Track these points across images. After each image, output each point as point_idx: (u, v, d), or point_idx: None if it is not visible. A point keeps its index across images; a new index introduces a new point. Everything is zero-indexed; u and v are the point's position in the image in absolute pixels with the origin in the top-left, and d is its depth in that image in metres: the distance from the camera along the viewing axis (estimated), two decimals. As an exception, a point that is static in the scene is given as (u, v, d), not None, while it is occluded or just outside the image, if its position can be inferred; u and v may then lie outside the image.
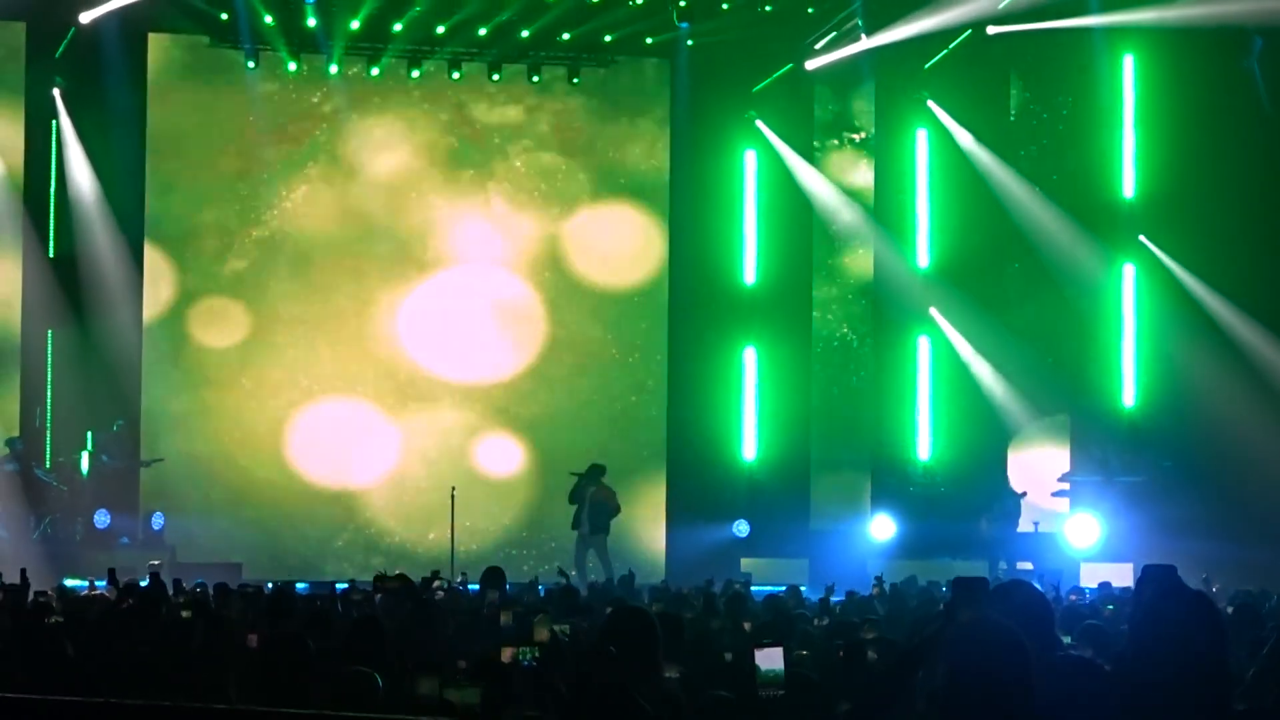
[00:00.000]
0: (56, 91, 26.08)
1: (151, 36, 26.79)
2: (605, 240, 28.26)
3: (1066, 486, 26.29)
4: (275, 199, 27.46)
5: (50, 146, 26.22)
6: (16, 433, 25.42)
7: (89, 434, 25.65)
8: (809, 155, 28.46)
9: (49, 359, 25.97)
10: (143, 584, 15.74)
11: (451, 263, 27.89)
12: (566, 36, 27.39)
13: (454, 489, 25.35)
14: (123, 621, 12.05)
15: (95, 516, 24.53)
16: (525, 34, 27.11)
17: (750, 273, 28.35)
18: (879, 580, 18.88)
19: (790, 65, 28.00)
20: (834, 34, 27.39)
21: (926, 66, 27.63)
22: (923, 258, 28.01)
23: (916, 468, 27.88)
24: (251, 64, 26.96)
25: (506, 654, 9.28)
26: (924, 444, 27.89)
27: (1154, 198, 26.52)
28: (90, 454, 25.36)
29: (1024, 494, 25.86)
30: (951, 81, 27.65)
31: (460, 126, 28.10)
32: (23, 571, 15.75)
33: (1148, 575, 8.13)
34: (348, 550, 27.22)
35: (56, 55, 25.89)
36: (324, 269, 27.50)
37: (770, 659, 7.92)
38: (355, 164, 27.60)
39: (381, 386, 27.57)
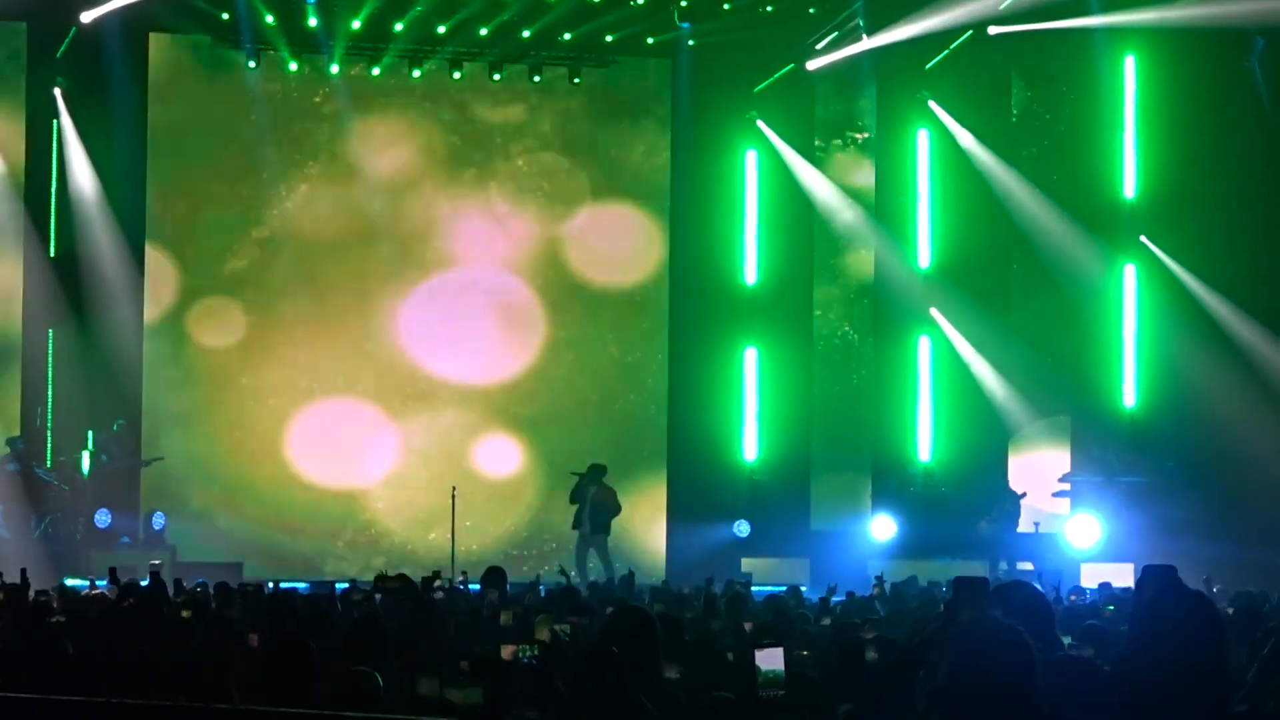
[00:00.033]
0: (57, 91, 26.07)
1: (152, 36, 26.77)
2: (606, 240, 28.25)
3: (1067, 487, 26.31)
4: (276, 199, 27.46)
5: (51, 146, 26.21)
6: (17, 432, 25.42)
7: (90, 433, 25.65)
8: (810, 155, 28.45)
9: (50, 358, 25.97)
10: (143, 584, 15.74)
11: (452, 262, 27.88)
12: (568, 36, 27.37)
13: (454, 489, 25.35)
14: (124, 621, 12.06)
15: (96, 516, 24.53)
16: (526, 34, 27.10)
17: (751, 273, 28.34)
18: (879, 580, 18.87)
19: (791, 65, 27.99)
20: (835, 34, 27.38)
21: (927, 67, 27.62)
22: (923, 258, 28.01)
23: (917, 468, 27.87)
24: (252, 64, 26.95)
25: (507, 651, 9.29)
26: (925, 444, 27.89)
27: (1155, 198, 26.53)
28: (91, 453, 25.36)
29: (1024, 495, 25.86)
30: (952, 82, 27.65)
31: (462, 125, 28.10)
32: (23, 571, 15.76)
33: (1148, 575, 8.14)
34: (348, 551, 27.22)
35: (58, 55, 25.89)
36: (325, 269, 27.49)
37: (771, 659, 7.92)
38: (356, 163, 27.59)
39: (382, 386, 27.56)
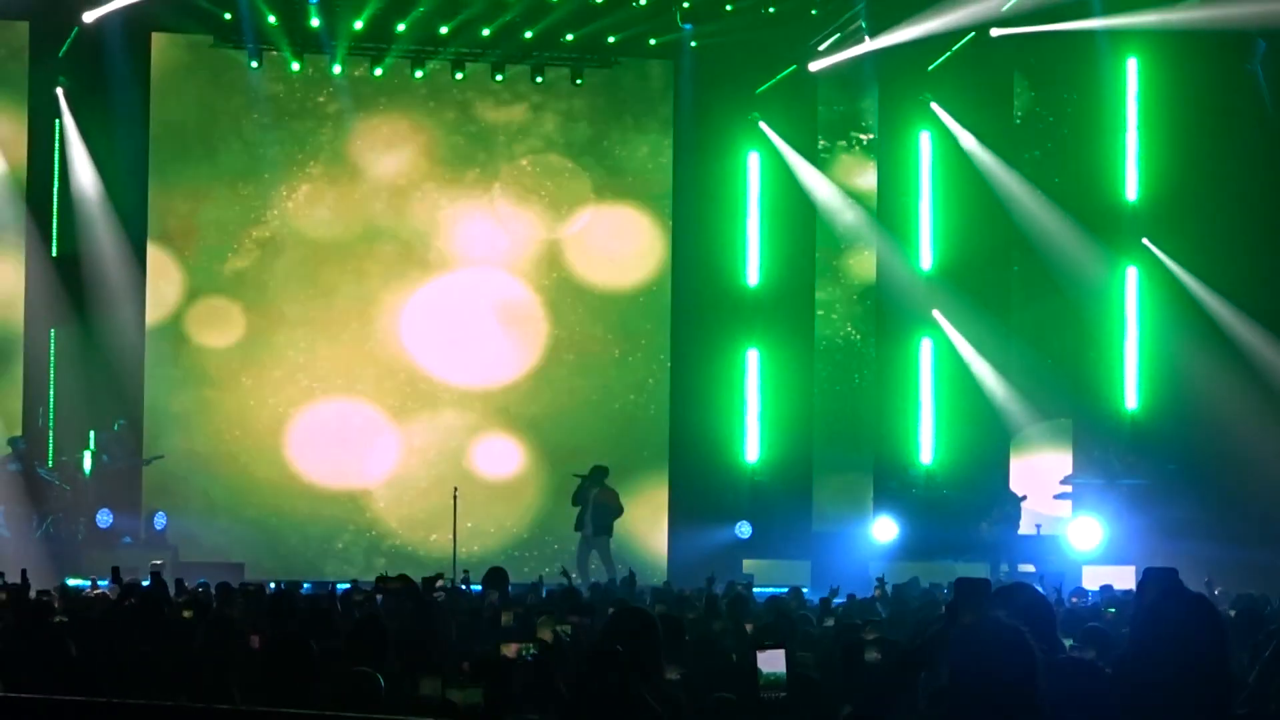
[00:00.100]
0: (60, 91, 26.07)
1: (155, 36, 26.78)
2: (608, 241, 28.25)
3: (1069, 489, 26.29)
4: (278, 199, 27.46)
5: (53, 146, 26.22)
6: (19, 432, 25.43)
7: (91, 433, 25.65)
8: (812, 157, 28.44)
9: (51, 358, 25.97)
10: (144, 584, 15.74)
11: (454, 263, 27.88)
12: (570, 37, 27.37)
13: (456, 490, 25.34)
14: (125, 621, 12.07)
15: (98, 516, 24.54)
16: (528, 35, 27.10)
17: (753, 274, 28.34)
18: (880, 582, 18.87)
19: (794, 67, 27.99)
20: (837, 36, 27.38)
21: (930, 68, 27.61)
22: (925, 260, 28.00)
23: (919, 469, 27.86)
24: (255, 64, 26.95)
25: (510, 649, 9.30)
26: (926, 446, 27.87)
27: (1157, 200, 26.52)
28: (93, 453, 25.37)
29: (1024, 497, 25.86)
30: (955, 83, 27.63)
31: (465, 125, 28.10)
32: (23, 572, 15.75)
33: (1149, 578, 8.14)
34: (349, 551, 27.22)
35: (60, 55, 25.88)
36: (327, 269, 27.49)
37: (772, 661, 7.92)
38: (358, 164, 27.60)
39: (384, 387, 27.56)
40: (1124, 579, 20.65)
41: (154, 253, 26.76)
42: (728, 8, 26.97)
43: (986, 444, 27.38)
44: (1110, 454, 26.05)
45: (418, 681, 8.62)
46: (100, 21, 25.37)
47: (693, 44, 27.55)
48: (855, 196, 28.44)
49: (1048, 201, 26.97)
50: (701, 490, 27.68)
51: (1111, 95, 26.76)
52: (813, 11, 27.09)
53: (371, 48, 27.18)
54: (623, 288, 28.32)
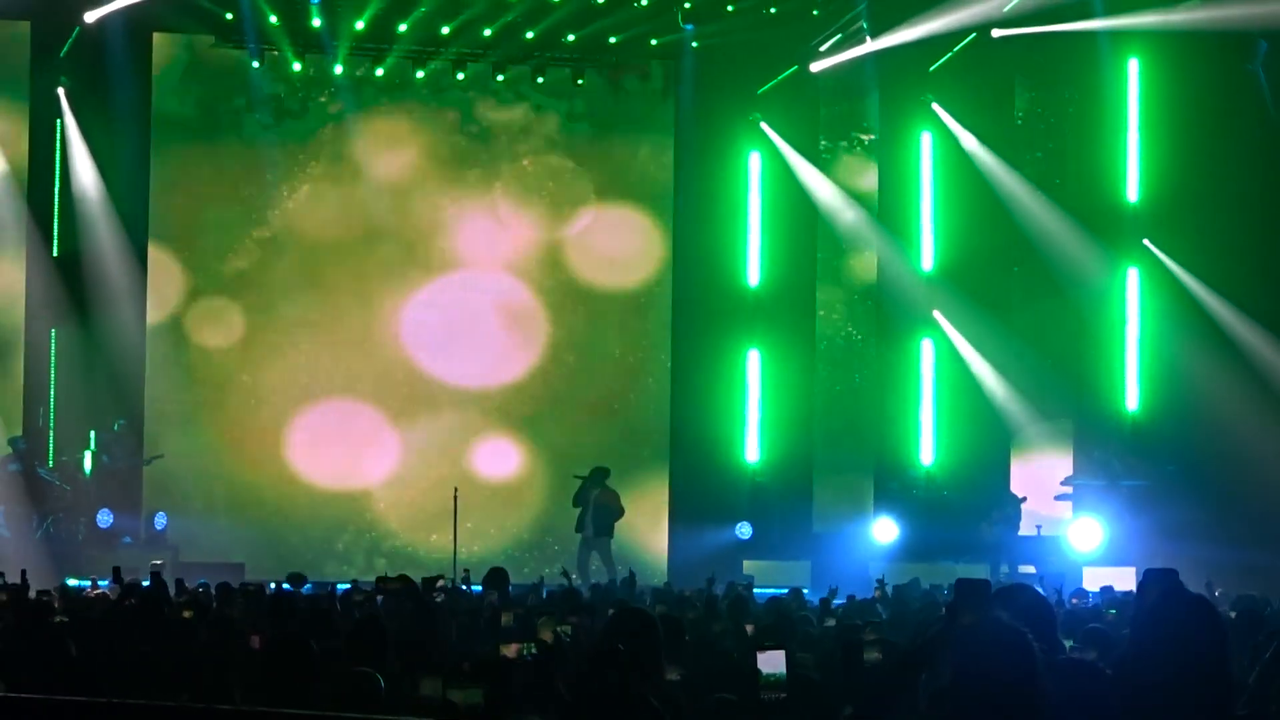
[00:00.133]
0: (61, 91, 26.06)
1: (156, 36, 26.79)
2: (609, 241, 28.25)
3: (1069, 490, 26.29)
4: (279, 199, 27.46)
5: (54, 145, 26.21)
6: (19, 432, 25.43)
7: (92, 433, 25.65)
8: (813, 157, 28.43)
9: (52, 358, 25.97)
10: (144, 584, 15.74)
11: (455, 263, 27.88)
12: (571, 38, 27.37)
13: (456, 490, 25.33)
14: (125, 621, 12.07)
15: (98, 516, 24.53)
16: (530, 35, 27.09)
17: (754, 275, 28.33)
18: (880, 583, 18.86)
19: (795, 68, 27.98)
20: (839, 36, 27.37)
21: (931, 69, 27.60)
22: (926, 260, 27.99)
23: (919, 470, 27.85)
24: (256, 64, 26.95)
25: (510, 649, 9.30)
26: (927, 447, 27.87)
27: (1158, 201, 26.51)
28: (93, 453, 25.37)
29: (1024, 499, 25.87)
30: (956, 84, 27.62)
31: (466, 125, 28.10)
32: (23, 573, 15.74)
33: (1149, 579, 8.14)
34: (349, 552, 27.22)
35: (61, 54, 25.87)
36: (328, 269, 27.49)
37: (772, 662, 7.92)
38: (359, 164, 27.60)
39: (384, 387, 27.56)
40: (1124, 580, 20.64)
41: (155, 253, 26.75)
42: (729, 8, 26.97)
43: (987, 445, 27.37)
44: (1111, 455, 26.04)
45: (418, 682, 8.62)
46: (101, 21, 25.37)
47: (694, 44, 27.54)
48: (856, 197, 28.43)
49: (1049, 202, 26.97)
50: (702, 491, 27.66)
51: (1112, 96, 26.75)
52: (814, 12, 27.09)
53: (373, 48, 27.18)
54: (623, 288, 28.32)
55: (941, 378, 27.85)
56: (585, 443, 27.20)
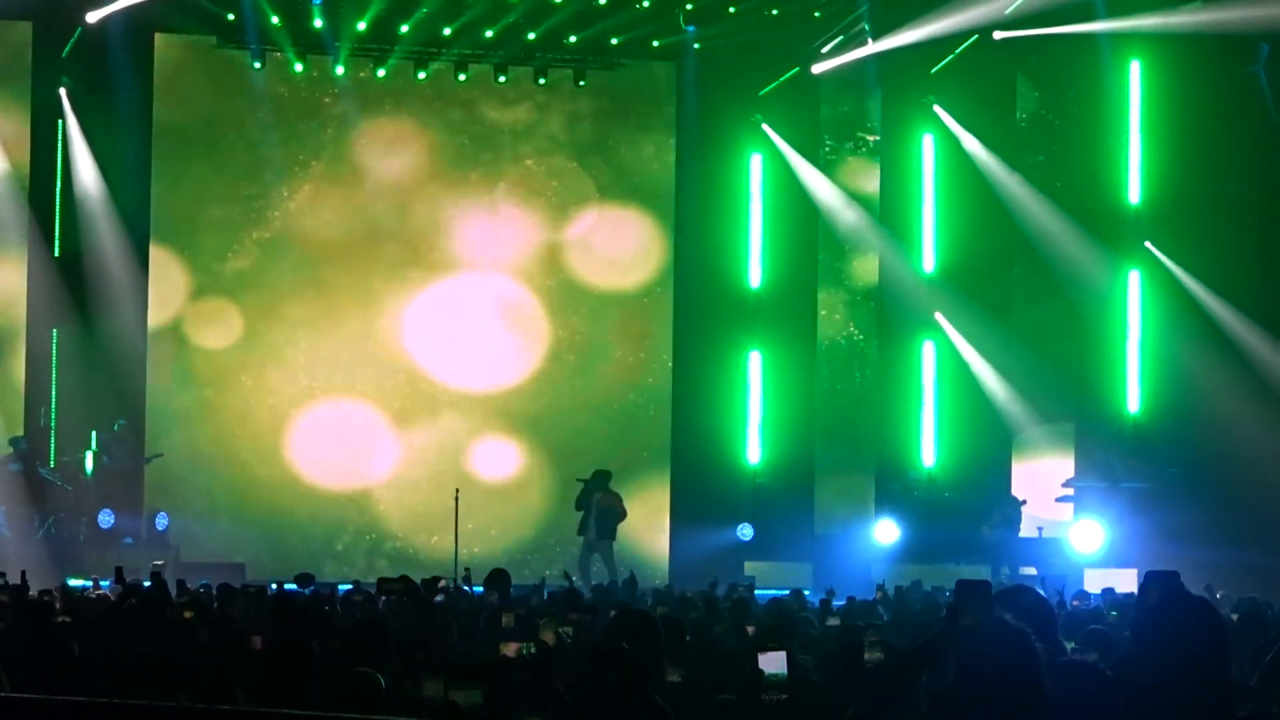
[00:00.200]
0: (63, 91, 26.08)
1: (158, 36, 26.80)
2: (611, 242, 28.24)
3: (1070, 492, 26.29)
4: (280, 199, 27.46)
5: (56, 145, 26.22)
6: (21, 432, 25.43)
7: (93, 433, 25.65)
8: (815, 159, 28.43)
9: (54, 358, 25.97)
10: (145, 585, 15.74)
11: (456, 264, 27.88)
12: (573, 39, 27.37)
13: (457, 491, 25.31)
14: (126, 621, 12.06)
15: (99, 516, 24.53)
16: (532, 36, 27.10)
17: (755, 276, 28.33)
18: (881, 587, 18.87)
19: (796, 69, 27.99)
20: (840, 38, 27.37)
21: (933, 71, 27.61)
22: (928, 262, 27.99)
23: (920, 472, 27.85)
24: (258, 64, 26.96)
25: (510, 649, 9.30)
26: (928, 448, 27.86)
27: (1159, 204, 26.51)
28: (94, 453, 25.37)
29: (1024, 501, 25.87)
30: (957, 86, 27.63)
31: (469, 126, 28.10)
32: (22, 574, 15.73)
33: (1150, 581, 8.13)
34: (350, 553, 27.21)
35: (63, 55, 25.89)
36: (329, 269, 27.49)
37: (773, 663, 7.92)
38: (361, 164, 27.60)
39: (385, 388, 27.56)
40: (1126, 582, 20.67)
41: (156, 253, 26.76)
42: (731, 10, 26.97)
43: (988, 447, 27.37)
44: (1112, 457, 26.04)
45: (419, 682, 8.62)
46: (103, 22, 25.38)
47: (696, 46, 27.54)
48: (857, 198, 28.42)
49: (1050, 204, 26.97)
50: (703, 492, 27.66)
51: (1114, 98, 26.75)
52: (815, 14, 27.09)
53: (374, 49, 27.18)
54: (625, 289, 28.32)
55: (943, 379, 27.85)
56: (586, 444, 27.20)
